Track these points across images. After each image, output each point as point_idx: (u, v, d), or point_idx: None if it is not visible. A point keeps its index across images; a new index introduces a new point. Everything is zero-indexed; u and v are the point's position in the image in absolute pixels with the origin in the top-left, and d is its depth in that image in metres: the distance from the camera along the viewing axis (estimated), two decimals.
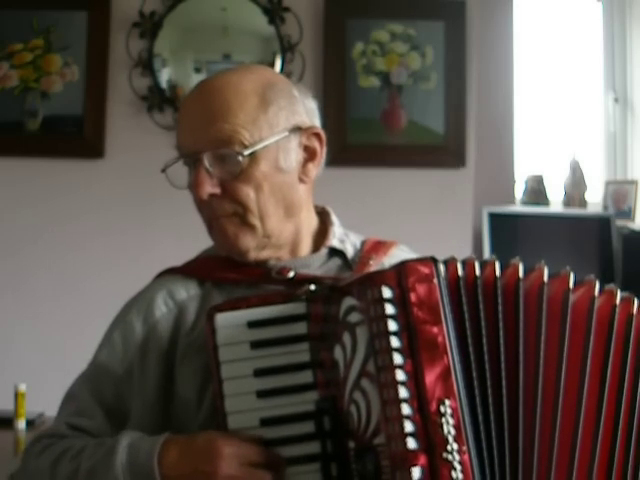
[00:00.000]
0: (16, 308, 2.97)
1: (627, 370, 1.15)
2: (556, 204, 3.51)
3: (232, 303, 1.24)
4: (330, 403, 1.15)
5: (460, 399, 1.06)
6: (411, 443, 1.04)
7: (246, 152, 1.27)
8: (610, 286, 1.18)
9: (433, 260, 1.11)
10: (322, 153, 1.36)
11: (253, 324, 1.21)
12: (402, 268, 1.09)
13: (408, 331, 1.07)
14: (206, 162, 1.28)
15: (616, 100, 3.68)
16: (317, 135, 1.35)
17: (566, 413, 1.12)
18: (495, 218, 3.23)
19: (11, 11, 3.01)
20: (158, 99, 3.01)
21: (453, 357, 1.07)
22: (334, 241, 1.40)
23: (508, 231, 3.25)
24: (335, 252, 1.40)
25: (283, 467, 1.16)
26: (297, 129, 1.33)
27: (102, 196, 3.02)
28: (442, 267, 1.11)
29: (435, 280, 1.09)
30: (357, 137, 3.08)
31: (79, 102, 3.00)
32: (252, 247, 1.32)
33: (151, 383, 1.30)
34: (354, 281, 1.15)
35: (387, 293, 1.08)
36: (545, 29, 3.73)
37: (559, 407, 1.12)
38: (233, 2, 3.06)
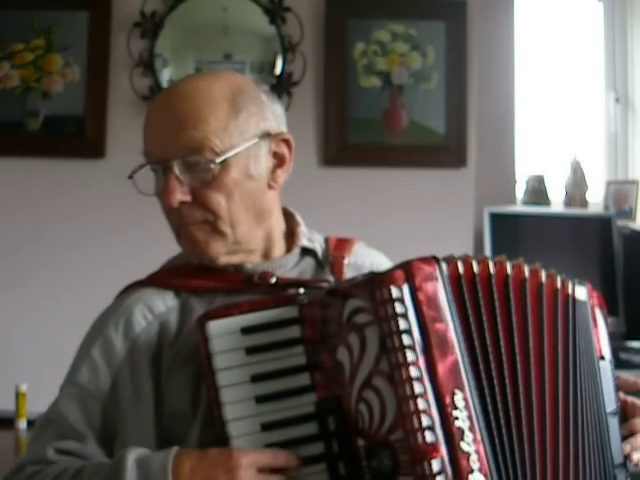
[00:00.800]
0: (17, 308, 2.97)
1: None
2: (557, 204, 3.51)
3: (223, 310, 1.23)
4: (334, 403, 1.16)
5: (470, 391, 1.11)
6: (429, 436, 1.07)
7: (217, 160, 1.27)
8: (562, 275, 1.26)
9: (435, 259, 1.14)
10: (291, 159, 1.37)
11: (247, 330, 1.22)
12: (408, 268, 1.12)
13: (418, 329, 1.10)
14: (176, 170, 1.27)
15: (617, 100, 3.68)
16: (286, 141, 1.36)
17: (550, 396, 1.18)
18: (496, 218, 3.22)
19: (12, 11, 3.01)
20: None
21: (461, 351, 1.12)
22: (304, 241, 1.42)
23: (509, 231, 3.25)
24: (306, 251, 1.41)
25: (297, 465, 1.17)
26: (267, 135, 1.33)
27: (103, 196, 3.02)
28: (444, 265, 1.15)
29: (439, 278, 1.13)
30: (358, 137, 3.08)
31: (80, 102, 3.00)
32: (222, 253, 1.32)
33: (147, 399, 1.27)
34: (357, 283, 1.16)
35: (396, 293, 1.10)
36: (546, 29, 3.73)
37: (545, 392, 1.17)
38: (234, 2, 3.06)
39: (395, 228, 3.01)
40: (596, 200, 3.58)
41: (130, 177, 1.33)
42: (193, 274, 1.35)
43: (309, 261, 1.41)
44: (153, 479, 1.13)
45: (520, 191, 3.50)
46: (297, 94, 3.04)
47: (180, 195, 1.28)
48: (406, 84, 3.10)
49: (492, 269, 1.19)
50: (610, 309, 1.39)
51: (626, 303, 3.22)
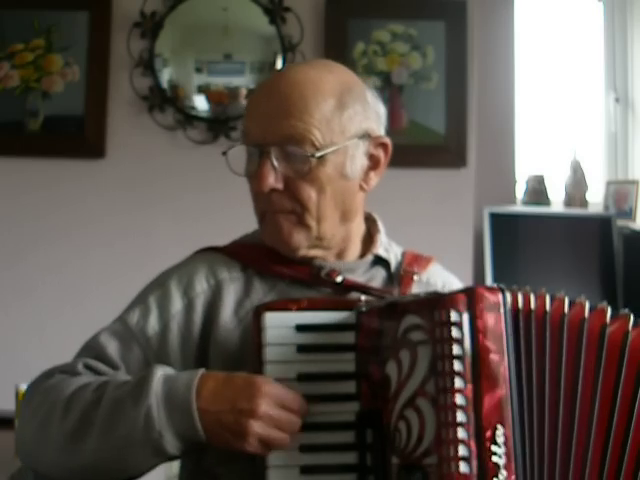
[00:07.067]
0: (17, 307, 2.97)
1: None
2: (557, 204, 3.51)
3: (282, 304, 1.23)
4: (376, 416, 1.15)
5: (513, 428, 1.08)
6: (463, 467, 1.05)
7: (316, 154, 1.27)
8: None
9: (501, 289, 1.12)
10: (385, 163, 1.38)
11: (302, 328, 1.21)
12: (472, 294, 1.10)
13: (472, 357, 1.08)
14: (273, 156, 1.28)
15: (617, 100, 3.68)
16: (383, 145, 1.37)
17: (595, 449, 1.12)
18: (496, 218, 3.22)
19: (12, 11, 3.01)
20: (159, 99, 3.02)
21: (511, 387, 1.09)
22: (380, 249, 1.41)
23: (509, 231, 3.25)
24: (379, 260, 1.41)
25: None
26: (366, 136, 1.34)
27: (103, 196, 3.02)
28: (508, 297, 1.12)
29: (502, 310, 1.11)
30: None
31: (80, 102, 3.00)
32: (304, 246, 1.33)
33: (191, 359, 1.28)
34: (419, 300, 1.15)
35: (455, 317, 1.09)
36: (546, 29, 3.73)
37: (590, 442, 1.12)
38: (234, 2, 3.06)
39: (395, 228, 3.00)
40: (596, 200, 3.58)
41: (224, 154, 1.33)
42: (263, 255, 1.35)
43: (380, 271, 1.40)
44: (177, 397, 1.14)
45: (520, 191, 3.50)
46: None
47: (272, 181, 1.28)
48: (406, 84, 3.10)
49: (548, 306, 1.14)
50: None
51: (626, 303, 3.22)
